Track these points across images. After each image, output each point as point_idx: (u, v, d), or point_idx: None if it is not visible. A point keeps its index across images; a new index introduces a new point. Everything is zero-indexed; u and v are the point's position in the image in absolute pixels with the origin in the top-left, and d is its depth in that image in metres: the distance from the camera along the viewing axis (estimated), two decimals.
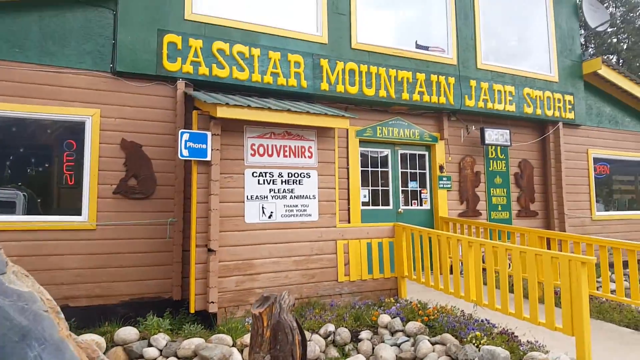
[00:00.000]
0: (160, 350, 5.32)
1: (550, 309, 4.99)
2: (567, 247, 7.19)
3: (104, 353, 5.28)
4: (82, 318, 5.98)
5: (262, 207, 6.14)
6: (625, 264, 6.24)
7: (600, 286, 6.52)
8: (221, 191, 5.94)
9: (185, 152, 5.62)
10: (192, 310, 5.91)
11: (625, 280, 7.23)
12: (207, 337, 5.41)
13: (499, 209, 9.38)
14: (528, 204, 9.76)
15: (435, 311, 5.93)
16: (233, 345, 5.37)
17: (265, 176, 6.23)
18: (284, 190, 6.30)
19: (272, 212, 6.20)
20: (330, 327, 5.76)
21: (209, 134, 5.76)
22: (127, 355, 5.31)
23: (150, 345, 5.36)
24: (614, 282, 6.36)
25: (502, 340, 5.04)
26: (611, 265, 6.72)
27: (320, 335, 5.72)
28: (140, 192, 6.52)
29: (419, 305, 6.16)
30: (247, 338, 5.37)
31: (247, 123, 6.16)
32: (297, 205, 6.34)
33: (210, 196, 5.82)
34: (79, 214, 6.30)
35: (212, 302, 5.85)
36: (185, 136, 5.62)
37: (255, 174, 6.17)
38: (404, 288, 6.88)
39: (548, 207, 10.01)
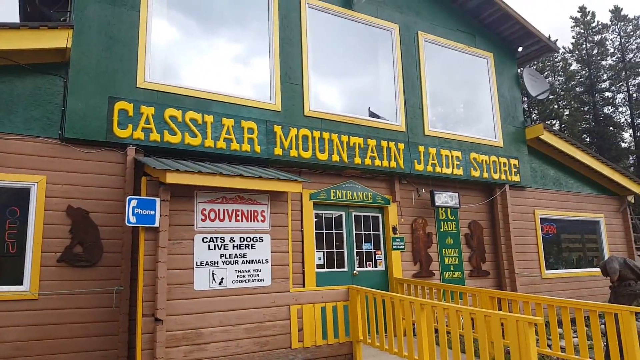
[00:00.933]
0: None
1: None
2: (517, 306, 7.32)
3: None
4: None
5: (213, 273, 6.03)
6: (574, 321, 6.37)
7: (551, 344, 6.60)
8: (170, 258, 5.82)
9: (133, 219, 5.53)
10: None
11: (575, 337, 7.37)
12: None
13: (452, 269, 9.52)
14: (479, 264, 9.96)
15: None
16: None
17: (216, 241, 6.17)
18: (236, 255, 6.23)
19: (222, 278, 6.09)
20: None
21: (157, 200, 5.72)
22: None
23: None
24: (564, 340, 6.45)
25: None
26: (560, 323, 6.85)
27: None
28: (85, 260, 6.32)
29: None
30: None
31: (198, 188, 6.16)
32: (249, 270, 6.26)
33: (157, 263, 5.69)
34: (20, 283, 6.03)
35: None
36: (133, 202, 5.55)
37: (205, 240, 6.10)
38: (359, 352, 6.76)
39: (499, 266, 10.23)
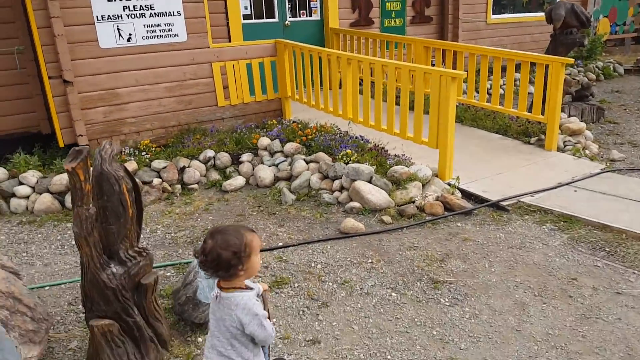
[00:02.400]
0: (33, 187, 5.09)
1: (418, 126, 5.13)
2: (450, 56, 7.20)
3: None
4: None
5: (118, 28, 5.42)
6: (506, 70, 6.34)
7: (479, 95, 6.75)
8: (64, 12, 5.11)
9: None
10: (61, 145, 5.56)
11: (502, 88, 7.54)
12: None
13: (393, 15, 9.02)
14: (423, 9, 9.45)
15: (315, 130, 5.97)
16: None
17: None
18: (141, 7, 5.51)
19: (130, 34, 5.51)
20: (210, 153, 5.69)
21: None
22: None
23: (20, 183, 5.10)
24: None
25: (371, 156, 5.22)
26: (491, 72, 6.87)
27: (199, 160, 5.66)
28: None
29: (299, 126, 6.15)
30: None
31: None
32: (159, 25, 5.65)
33: (51, 19, 5.01)
34: None
35: (81, 135, 5.49)
36: None
37: None
38: (288, 109, 6.78)
39: (443, 11, 9.76)
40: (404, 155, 5.32)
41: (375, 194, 4.69)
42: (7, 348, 2.41)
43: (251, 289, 2.00)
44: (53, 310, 3.29)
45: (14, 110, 5.92)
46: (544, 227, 4.22)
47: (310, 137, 5.82)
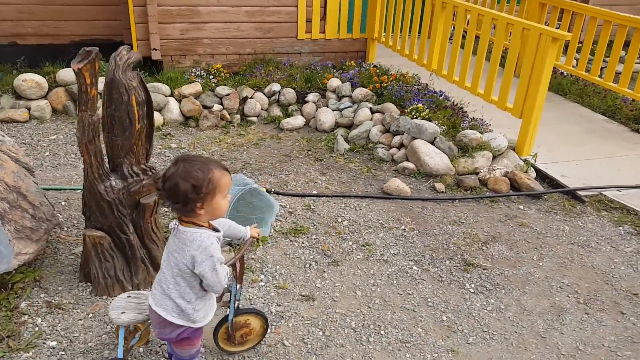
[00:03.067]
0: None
1: (505, 89, 4.50)
2: (568, 17, 6.20)
3: (47, 93, 5.26)
4: (32, 56, 5.86)
5: None
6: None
7: (592, 67, 5.79)
8: None
9: None
10: None
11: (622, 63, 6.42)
12: None
13: None
14: None
15: (393, 79, 5.51)
16: (170, 95, 5.24)
17: None
18: None
19: None
20: (276, 87, 5.48)
21: None
22: (69, 95, 5.28)
23: None
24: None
25: (444, 115, 4.70)
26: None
27: (264, 93, 5.49)
28: None
29: (378, 71, 5.72)
30: (186, 89, 5.20)
31: None
32: None
33: None
34: None
35: (155, 49, 5.53)
36: None
37: None
38: (372, 51, 6.32)
39: None
40: (482, 119, 4.74)
41: (435, 158, 4.24)
42: (0, 239, 2.45)
43: (216, 230, 1.79)
44: (73, 213, 3.35)
45: (100, 16, 6.09)
46: (621, 228, 3.55)
47: (385, 84, 5.39)
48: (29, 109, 5.06)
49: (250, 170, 4.19)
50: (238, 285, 2.11)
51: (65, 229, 3.17)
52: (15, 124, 4.89)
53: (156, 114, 4.99)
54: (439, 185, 4.05)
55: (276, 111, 5.40)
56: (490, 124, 4.73)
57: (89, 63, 2.39)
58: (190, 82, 5.33)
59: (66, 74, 5.24)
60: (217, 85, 5.36)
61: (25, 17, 5.92)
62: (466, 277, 2.98)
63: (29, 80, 5.12)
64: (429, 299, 2.77)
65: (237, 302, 2.15)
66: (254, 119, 5.30)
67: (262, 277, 2.84)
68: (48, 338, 2.32)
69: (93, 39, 6.07)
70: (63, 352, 2.24)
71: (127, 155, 2.61)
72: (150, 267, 2.75)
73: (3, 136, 2.84)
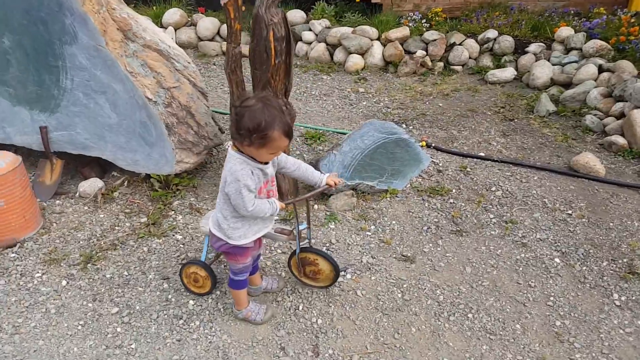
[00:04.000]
0: (316, 35, 5.55)
1: None
2: None
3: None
4: None
5: None
6: None
7: None
8: None
9: None
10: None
11: None
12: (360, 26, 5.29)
13: None
14: None
15: None
16: (377, 39, 5.23)
17: None
18: None
19: None
20: (491, 34, 4.93)
21: None
22: (293, 35, 5.77)
23: (309, 29, 5.64)
24: None
25: None
26: None
27: (476, 41, 5.01)
28: None
29: (631, 22, 4.56)
30: (392, 33, 5.11)
31: None
32: None
33: None
34: None
35: None
36: None
37: None
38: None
39: None
40: None
41: None
42: (167, 146, 2.98)
43: (254, 159, 1.79)
44: None
45: None
46: None
47: (632, 37, 4.30)
48: None
49: (421, 121, 3.97)
50: (304, 225, 2.13)
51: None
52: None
53: (356, 57, 5.08)
54: None
55: (486, 61, 4.89)
56: None
57: None
58: (399, 26, 5.20)
59: (293, 15, 5.69)
60: (427, 30, 5.11)
61: None
62: (619, 286, 2.33)
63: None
64: (551, 298, 2.28)
65: (306, 241, 2.18)
66: (458, 67, 4.92)
67: (372, 227, 2.76)
68: (178, 232, 2.76)
69: None
70: (182, 246, 2.66)
71: (265, 88, 2.79)
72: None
73: (189, 62, 3.34)
